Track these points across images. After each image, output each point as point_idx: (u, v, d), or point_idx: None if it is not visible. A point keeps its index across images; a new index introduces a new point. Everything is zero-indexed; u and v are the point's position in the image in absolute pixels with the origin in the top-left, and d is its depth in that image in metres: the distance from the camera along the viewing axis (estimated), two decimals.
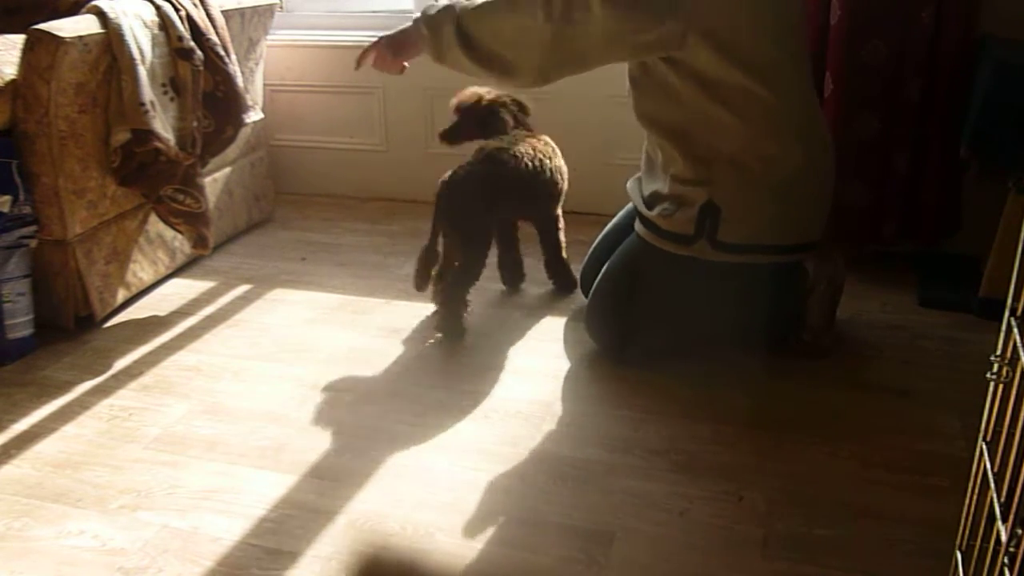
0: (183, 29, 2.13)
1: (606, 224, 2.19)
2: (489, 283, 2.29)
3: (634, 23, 1.68)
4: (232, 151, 2.49)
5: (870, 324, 2.07)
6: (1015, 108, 1.95)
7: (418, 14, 1.84)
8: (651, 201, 1.89)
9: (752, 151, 1.76)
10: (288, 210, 2.88)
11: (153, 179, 2.11)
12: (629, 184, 2.03)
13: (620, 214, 2.17)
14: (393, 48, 1.89)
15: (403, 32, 1.87)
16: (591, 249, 2.16)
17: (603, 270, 1.95)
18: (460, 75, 2.77)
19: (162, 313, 2.20)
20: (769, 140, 1.76)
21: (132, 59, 1.98)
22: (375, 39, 1.91)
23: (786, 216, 1.81)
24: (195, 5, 2.21)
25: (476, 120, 2.15)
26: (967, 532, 1.05)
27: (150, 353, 2.01)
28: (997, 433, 0.94)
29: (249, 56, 2.56)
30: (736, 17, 1.69)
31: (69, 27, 1.90)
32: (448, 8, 1.79)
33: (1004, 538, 0.86)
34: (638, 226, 1.91)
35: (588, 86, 2.63)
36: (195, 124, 2.17)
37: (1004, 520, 0.87)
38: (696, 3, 1.66)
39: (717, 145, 1.76)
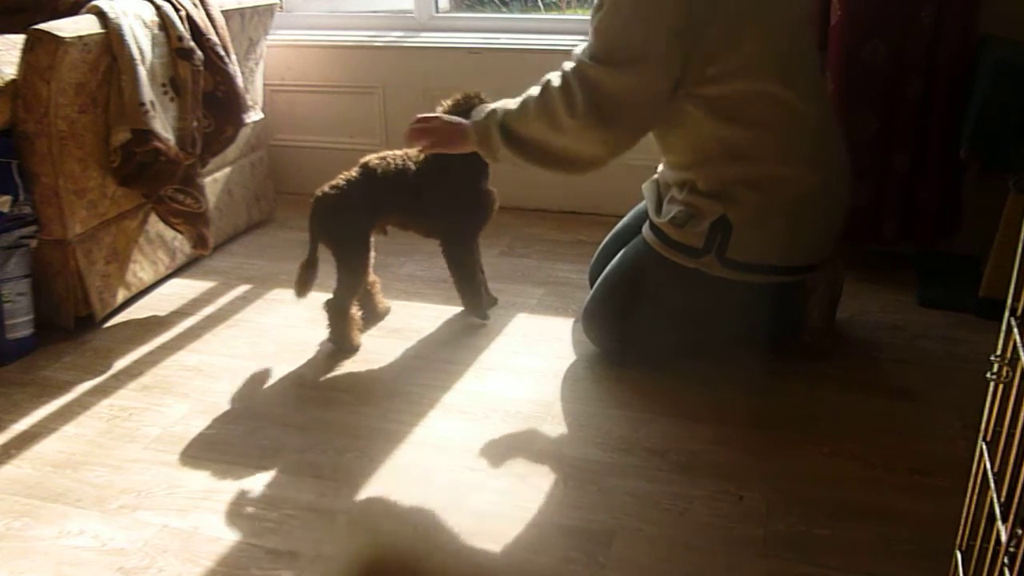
0: (183, 29, 2.13)
1: (612, 224, 2.18)
2: (488, 284, 2.29)
3: (645, 85, 1.67)
4: (232, 151, 2.49)
5: (870, 324, 2.07)
6: (1015, 108, 1.95)
7: (474, 116, 1.85)
8: (666, 205, 1.86)
9: (767, 172, 1.73)
10: (288, 210, 2.88)
11: (153, 179, 2.11)
12: (645, 185, 2.01)
13: (631, 213, 2.15)
14: (443, 140, 1.87)
15: (456, 129, 1.85)
16: (599, 248, 2.14)
17: (604, 273, 1.93)
18: (460, 77, 2.78)
19: (162, 313, 2.20)
20: (784, 161, 1.74)
21: (132, 59, 1.98)
22: (432, 118, 1.88)
23: (797, 238, 1.79)
24: (195, 5, 2.21)
25: None
26: (967, 532, 1.05)
27: (150, 353, 2.01)
28: (997, 433, 0.94)
29: (249, 56, 2.56)
30: (731, 29, 1.67)
31: (69, 27, 1.90)
32: (492, 114, 1.81)
33: (1004, 538, 0.86)
34: (646, 231, 1.89)
35: None
36: (195, 124, 2.17)
37: (1004, 520, 0.87)
38: (689, 37, 1.65)
39: (734, 168, 1.74)
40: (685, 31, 1.63)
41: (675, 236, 1.80)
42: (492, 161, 1.86)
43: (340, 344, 2.00)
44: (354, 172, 1.98)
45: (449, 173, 1.97)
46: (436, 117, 1.89)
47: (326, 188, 1.96)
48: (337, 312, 1.98)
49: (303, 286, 2.00)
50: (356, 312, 2.02)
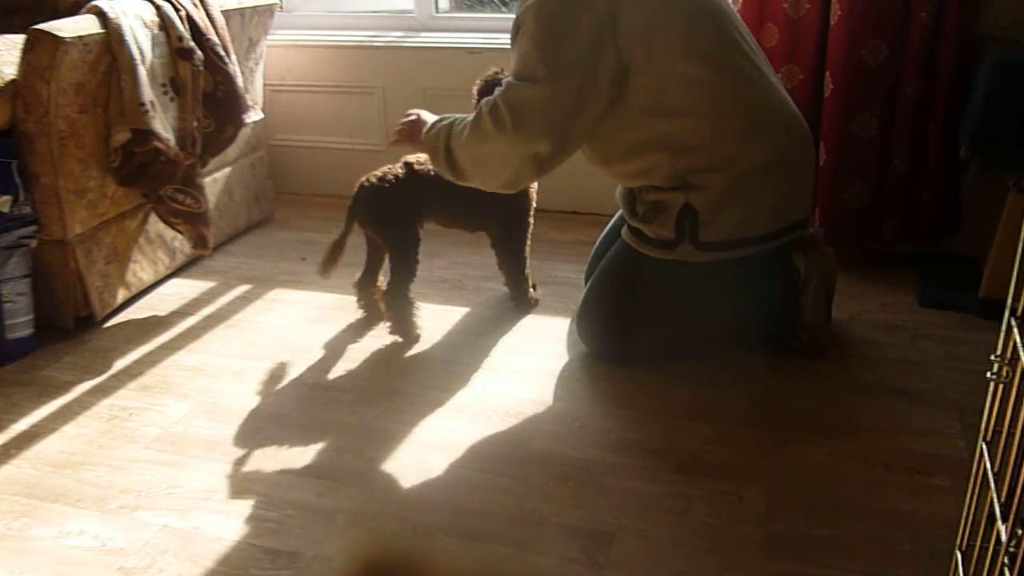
0: (183, 29, 2.13)
1: (606, 223, 2.19)
2: (488, 283, 2.30)
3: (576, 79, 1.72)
4: (232, 151, 2.49)
5: (870, 324, 2.07)
6: (1015, 108, 1.95)
7: (431, 121, 1.91)
8: (637, 205, 1.89)
9: (717, 154, 1.76)
10: (288, 210, 2.89)
11: (153, 179, 2.11)
12: (618, 189, 2.03)
13: (617, 215, 2.17)
14: (410, 137, 1.94)
15: (417, 130, 1.92)
16: (593, 250, 2.16)
17: (592, 277, 1.96)
18: (460, 77, 2.78)
19: (162, 313, 2.20)
20: (728, 139, 1.77)
21: (132, 59, 1.98)
22: (411, 116, 1.96)
23: (765, 206, 1.81)
24: (195, 5, 2.21)
25: None
26: (967, 532, 1.05)
27: (150, 353, 2.01)
28: (997, 433, 0.94)
29: (249, 56, 2.56)
30: (661, 29, 1.73)
31: (69, 27, 1.90)
32: (442, 130, 1.85)
33: (1004, 538, 0.86)
34: (624, 232, 1.91)
35: None
36: (195, 124, 2.17)
37: (1004, 520, 0.87)
38: (624, 33, 1.70)
39: (684, 159, 1.77)
40: (599, 43, 1.70)
41: (649, 232, 1.83)
42: (436, 168, 1.91)
43: (404, 333, 2.02)
44: (399, 168, 2.02)
45: None
46: (416, 114, 1.95)
47: (372, 178, 2.00)
48: (397, 299, 2.00)
49: (327, 265, 2.02)
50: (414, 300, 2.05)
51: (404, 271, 2.01)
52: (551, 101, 1.72)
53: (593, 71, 1.71)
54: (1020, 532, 0.84)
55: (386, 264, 2.08)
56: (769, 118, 1.84)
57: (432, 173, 1.99)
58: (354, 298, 2.17)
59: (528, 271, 2.18)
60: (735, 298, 1.83)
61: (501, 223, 2.13)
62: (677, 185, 1.78)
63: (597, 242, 2.16)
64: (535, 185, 2.13)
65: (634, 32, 1.71)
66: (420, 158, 2.04)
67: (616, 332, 1.89)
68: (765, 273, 1.85)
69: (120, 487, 1.55)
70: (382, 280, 2.12)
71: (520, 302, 2.18)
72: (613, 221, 2.16)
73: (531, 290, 2.19)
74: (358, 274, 2.12)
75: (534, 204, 2.15)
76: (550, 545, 1.39)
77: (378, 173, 2.01)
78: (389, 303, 2.01)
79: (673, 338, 1.90)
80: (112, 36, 1.97)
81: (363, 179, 2.01)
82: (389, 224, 2.02)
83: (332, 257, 2.02)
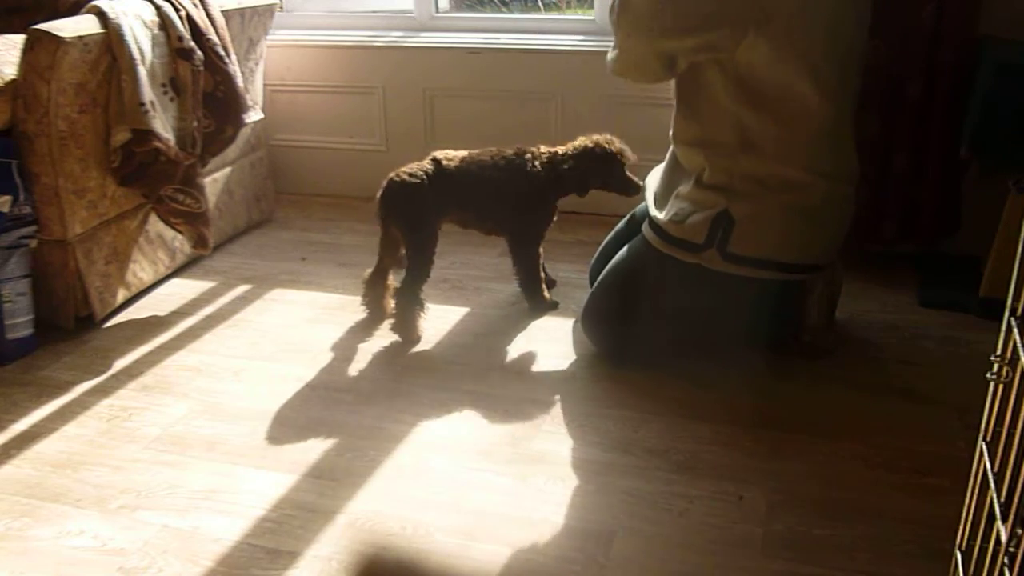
0: (183, 29, 2.13)
1: (612, 224, 2.18)
2: (489, 283, 2.30)
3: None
4: (232, 151, 2.49)
5: (870, 324, 2.07)
6: (1015, 108, 1.95)
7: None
8: (667, 202, 1.87)
9: (779, 173, 1.73)
10: (288, 210, 2.89)
11: (153, 179, 2.11)
12: (649, 177, 2.02)
13: (631, 213, 2.15)
14: None
15: None
16: (600, 247, 2.15)
17: (603, 272, 1.94)
18: (460, 77, 2.78)
19: (162, 313, 2.20)
20: (800, 166, 1.74)
21: (132, 59, 1.98)
22: None
23: (800, 238, 1.79)
24: (195, 5, 2.21)
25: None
26: (967, 532, 1.05)
27: (150, 353, 2.01)
28: (997, 433, 0.95)
29: (249, 56, 2.56)
30: (800, 14, 1.66)
31: (69, 27, 1.90)
32: None
33: (1004, 538, 0.86)
34: (646, 229, 1.89)
35: (589, 87, 2.63)
36: (195, 124, 2.17)
37: (1004, 520, 0.87)
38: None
39: (746, 160, 1.74)
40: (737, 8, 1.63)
41: (676, 233, 1.81)
42: None
43: (405, 333, 2.02)
44: (427, 163, 2.02)
45: (520, 179, 2.03)
46: None
47: (403, 174, 1.99)
48: (408, 298, 2.01)
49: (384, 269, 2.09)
50: (423, 300, 2.05)
51: (420, 270, 2.01)
52: (650, 13, 1.68)
53: (713, 18, 1.64)
54: (1020, 532, 0.84)
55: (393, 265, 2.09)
56: (841, 159, 1.81)
57: (458, 170, 2.00)
58: (355, 298, 2.17)
59: (543, 274, 2.17)
60: (744, 307, 1.82)
61: (515, 230, 2.12)
62: (723, 186, 1.76)
63: (606, 240, 2.14)
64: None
65: (781, 14, 1.63)
66: (448, 153, 2.04)
67: (623, 331, 1.88)
68: (777, 291, 1.84)
69: (120, 487, 1.55)
70: (392, 279, 2.12)
71: (535, 306, 2.16)
72: (627, 219, 2.15)
73: (547, 293, 2.18)
74: (368, 271, 2.12)
75: (555, 218, 2.13)
76: (550, 545, 1.39)
77: (407, 169, 2.00)
78: (399, 301, 2.02)
79: (678, 341, 1.89)
80: (112, 36, 1.97)
81: (392, 174, 2.00)
82: (415, 221, 2.01)
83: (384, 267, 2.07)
